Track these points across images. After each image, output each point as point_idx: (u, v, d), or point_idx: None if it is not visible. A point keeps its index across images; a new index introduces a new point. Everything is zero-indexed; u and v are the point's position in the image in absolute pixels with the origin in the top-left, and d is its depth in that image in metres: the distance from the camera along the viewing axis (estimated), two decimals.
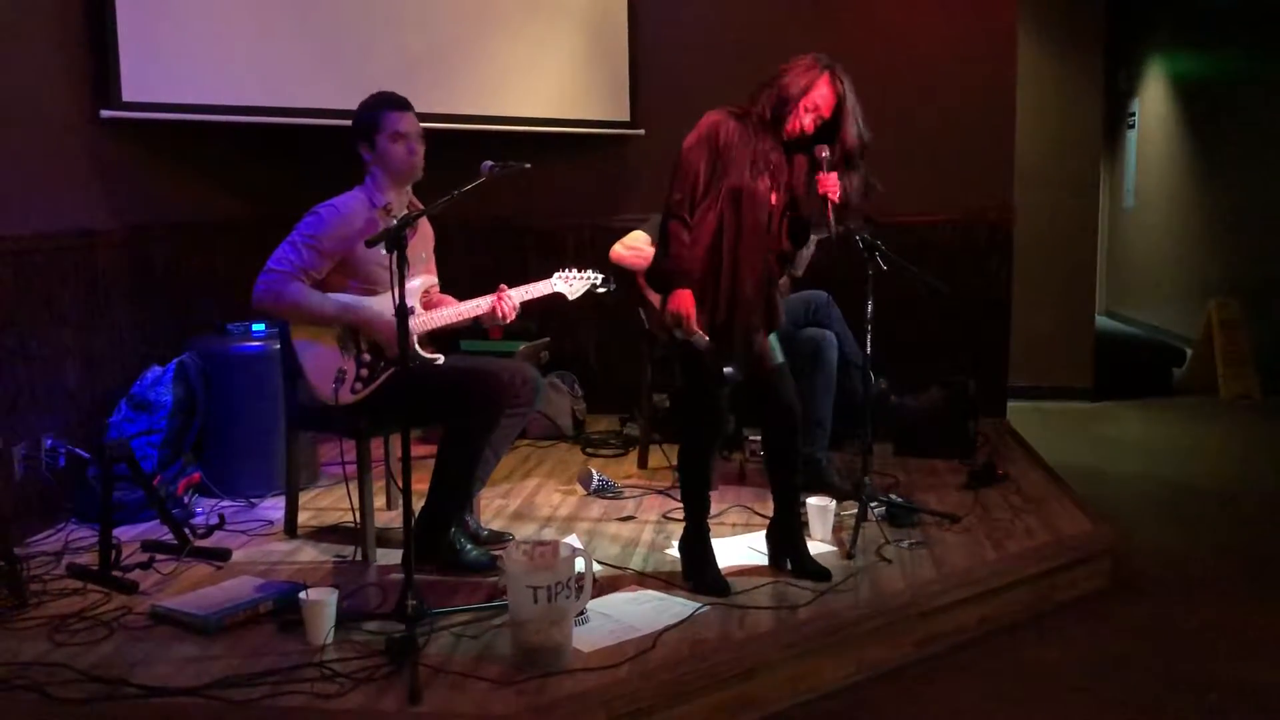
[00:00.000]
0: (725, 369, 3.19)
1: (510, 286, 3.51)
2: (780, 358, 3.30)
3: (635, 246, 4.31)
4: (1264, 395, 7.13)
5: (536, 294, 3.55)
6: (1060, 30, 7.04)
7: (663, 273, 3.18)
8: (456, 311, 3.48)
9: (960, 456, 4.65)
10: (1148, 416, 6.75)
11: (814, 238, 4.19)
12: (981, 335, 5.48)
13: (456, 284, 3.75)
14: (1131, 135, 10.83)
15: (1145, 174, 10.42)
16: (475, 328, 3.58)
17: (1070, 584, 3.60)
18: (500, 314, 3.45)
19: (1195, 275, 8.95)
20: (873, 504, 3.71)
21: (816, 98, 3.14)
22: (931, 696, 2.98)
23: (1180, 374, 7.72)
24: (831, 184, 3.17)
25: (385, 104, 3.41)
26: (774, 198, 3.18)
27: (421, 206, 3.42)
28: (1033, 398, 6.73)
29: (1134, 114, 10.75)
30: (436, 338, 3.58)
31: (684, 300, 3.08)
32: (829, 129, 3.18)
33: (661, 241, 3.19)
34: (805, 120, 3.16)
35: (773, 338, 3.30)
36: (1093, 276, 7.44)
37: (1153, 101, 10.24)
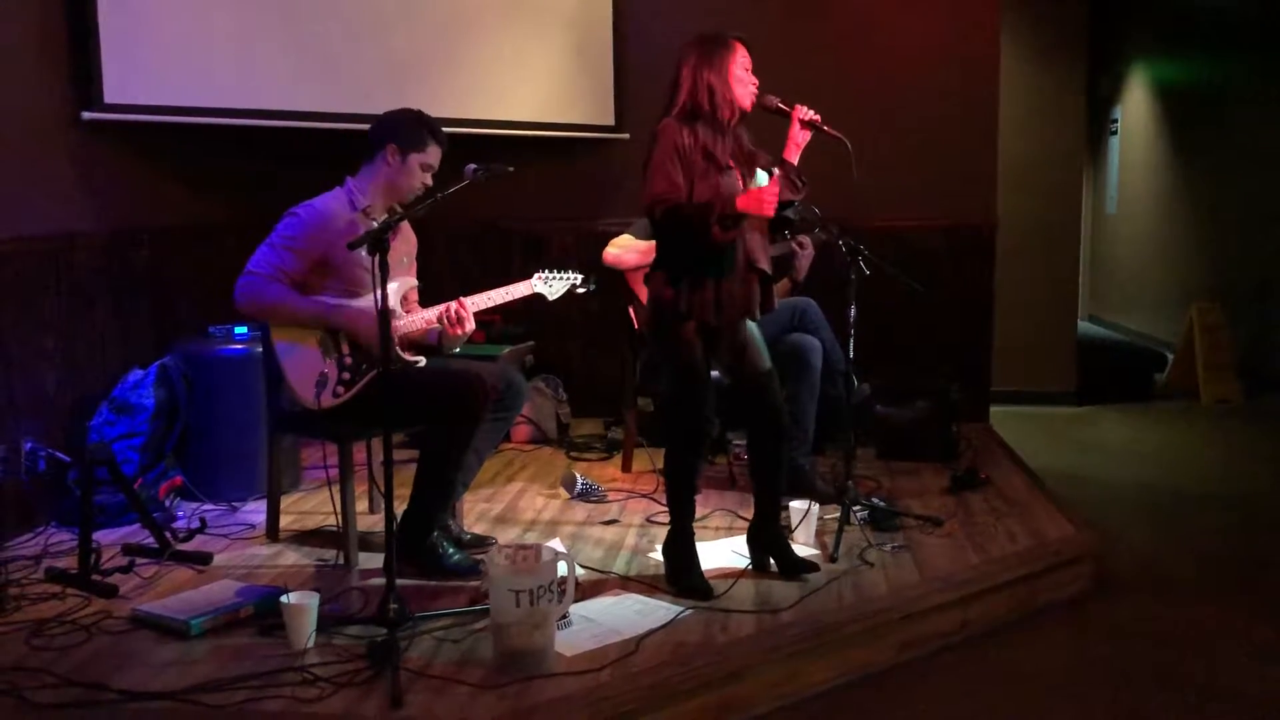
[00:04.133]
0: (711, 371, 3.20)
1: (491, 289, 3.50)
2: (769, 363, 3.31)
3: (626, 246, 4.32)
4: (1245, 399, 7.17)
5: (516, 295, 3.54)
6: (1043, 37, 7.08)
7: (703, 224, 3.07)
8: (423, 317, 3.46)
9: (943, 460, 4.67)
10: (1129, 421, 6.78)
11: (808, 239, 4.22)
12: (964, 340, 5.50)
13: (440, 287, 3.74)
14: (1114, 141, 10.90)
15: (1127, 179, 10.49)
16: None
17: (1052, 587, 3.61)
18: (448, 319, 3.40)
19: (1177, 279, 9.01)
20: (855, 508, 3.72)
21: (745, 63, 3.21)
22: (914, 700, 2.98)
23: (1162, 378, 7.76)
24: (806, 111, 3.30)
25: (434, 133, 3.42)
26: (748, 186, 3.19)
27: (401, 210, 3.41)
28: (1015, 402, 6.75)
29: (1116, 120, 10.82)
30: (417, 344, 3.56)
31: (748, 202, 3.05)
32: None
33: (672, 218, 3.09)
34: (749, 90, 3.21)
35: (761, 343, 3.31)
36: (1075, 281, 7.48)
37: (1135, 107, 10.31)
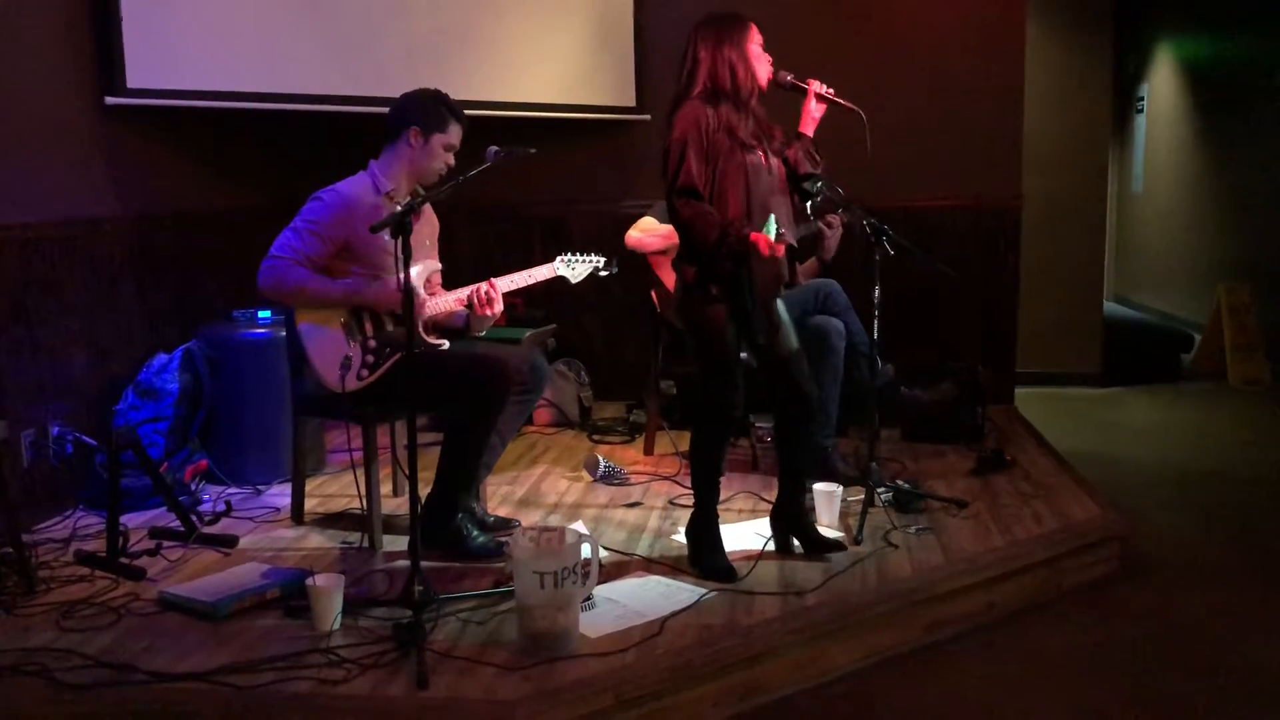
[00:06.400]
0: (740, 354, 3.19)
1: (513, 272, 3.50)
2: (797, 344, 3.30)
3: (648, 229, 4.31)
4: (1273, 380, 7.10)
5: (539, 278, 3.53)
6: (1069, 15, 7.00)
7: (715, 246, 3.08)
8: (450, 299, 3.47)
9: (968, 442, 4.64)
10: (1156, 402, 6.73)
11: (836, 218, 4.19)
12: (990, 321, 5.47)
13: (460, 270, 3.73)
14: (1140, 120, 10.78)
15: (1154, 159, 10.38)
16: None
17: (1078, 569, 3.59)
18: (478, 299, 3.41)
19: (1204, 260, 8.92)
20: (880, 490, 3.71)
21: (759, 41, 3.22)
22: (939, 682, 2.97)
23: (1189, 359, 7.69)
24: (820, 85, 3.34)
25: (454, 112, 3.42)
26: (771, 163, 3.21)
27: (424, 192, 3.41)
28: (1041, 384, 6.71)
29: (1143, 98, 10.70)
30: (442, 326, 3.57)
31: (759, 241, 3.05)
32: None
33: (690, 224, 3.11)
34: (766, 67, 3.24)
35: (788, 324, 3.30)
36: (1101, 262, 7.41)
37: (1162, 86, 10.19)
